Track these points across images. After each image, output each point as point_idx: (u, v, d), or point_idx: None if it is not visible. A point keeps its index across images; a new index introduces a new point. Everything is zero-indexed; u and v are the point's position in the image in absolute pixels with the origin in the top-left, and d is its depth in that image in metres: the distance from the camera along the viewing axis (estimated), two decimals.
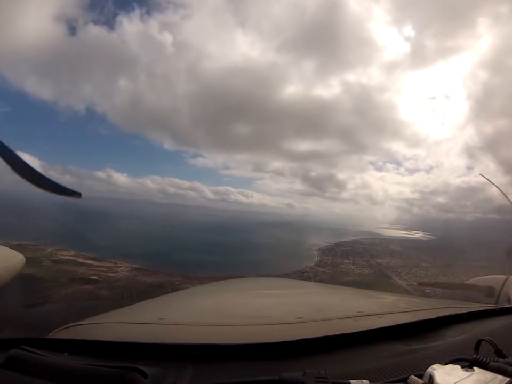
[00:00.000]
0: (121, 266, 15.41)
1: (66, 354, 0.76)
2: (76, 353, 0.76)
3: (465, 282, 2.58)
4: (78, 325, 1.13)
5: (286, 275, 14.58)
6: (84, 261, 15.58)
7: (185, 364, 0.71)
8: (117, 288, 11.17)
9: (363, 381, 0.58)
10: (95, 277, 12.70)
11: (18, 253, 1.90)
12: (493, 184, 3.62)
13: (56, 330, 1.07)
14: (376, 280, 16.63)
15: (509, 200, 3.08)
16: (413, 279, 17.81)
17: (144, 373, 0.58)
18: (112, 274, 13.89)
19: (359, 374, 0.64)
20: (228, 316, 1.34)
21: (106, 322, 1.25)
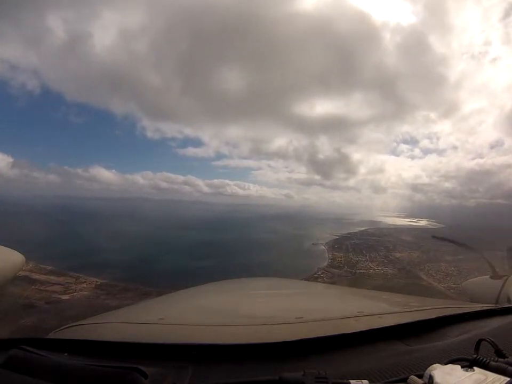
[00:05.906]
0: (85, 282, 12.27)
1: (66, 354, 0.76)
2: (76, 353, 0.77)
3: (464, 282, 2.57)
4: (78, 325, 1.14)
5: None
6: (39, 277, 12.37)
7: (185, 364, 0.71)
8: (64, 321, 7.83)
9: (363, 381, 0.58)
10: (41, 302, 9.44)
11: (18, 253, 1.86)
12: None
13: (56, 330, 1.07)
14: (407, 283, 13.92)
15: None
16: (448, 279, 15.04)
17: (144, 373, 0.59)
18: (66, 297, 10.73)
19: (359, 374, 0.64)
20: (228, 315, 1.34)
21: (106, 322, 1.26)
